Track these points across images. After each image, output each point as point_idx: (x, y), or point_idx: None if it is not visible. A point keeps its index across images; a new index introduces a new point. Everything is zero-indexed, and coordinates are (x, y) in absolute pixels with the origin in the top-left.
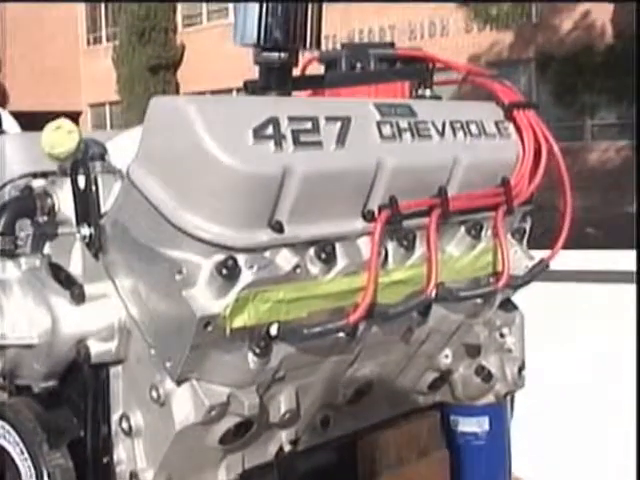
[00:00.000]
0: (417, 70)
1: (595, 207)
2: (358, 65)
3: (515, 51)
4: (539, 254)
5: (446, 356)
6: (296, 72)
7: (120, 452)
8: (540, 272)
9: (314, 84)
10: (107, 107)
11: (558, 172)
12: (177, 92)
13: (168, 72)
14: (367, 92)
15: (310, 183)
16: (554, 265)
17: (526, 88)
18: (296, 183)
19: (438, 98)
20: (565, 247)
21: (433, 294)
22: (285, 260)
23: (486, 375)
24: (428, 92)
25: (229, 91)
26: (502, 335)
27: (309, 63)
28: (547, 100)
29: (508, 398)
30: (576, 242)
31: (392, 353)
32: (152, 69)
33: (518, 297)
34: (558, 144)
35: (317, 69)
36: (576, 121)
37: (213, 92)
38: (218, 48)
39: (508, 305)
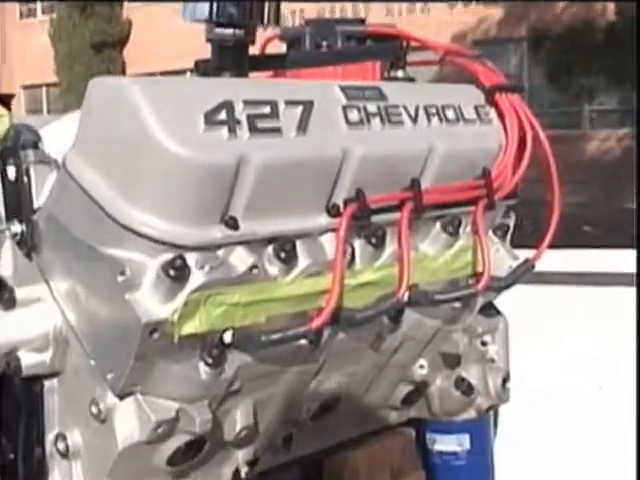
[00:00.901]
0: (389, 49)
1: (594, 203)
2: (324, 44)
3: (505, 29)
4: (525, 254)
5: (421, 366)
6: (255, 51)
7: (56, 476)
8: (525, 273)
9: (274, 65)
10: (43, 89)
11: (545, 162)
12: (123, 73)
13: (113, 50)
14: (333, 74)
15: (268, 174)
16: (541, 266)
17: (517, 70)
18: (252, 174)
19: (412, 80)
20: (555, 246)
21: (405, 297)
22: (240, 259)
23: (466, 388)
24: (401, 73)
25: (182, 72)
26: (484, 343)
27: (269, 41)
28: (540, 83)
29: (491, 413)
30: (572, 242)
31: (361, 363)
32: (95, 46)
33: (502, 301)
34: (547, 131)
35: (278, 48)
36: (572, 107)
37: (163, 73)
38: (169, 24)
39: (490, 310)
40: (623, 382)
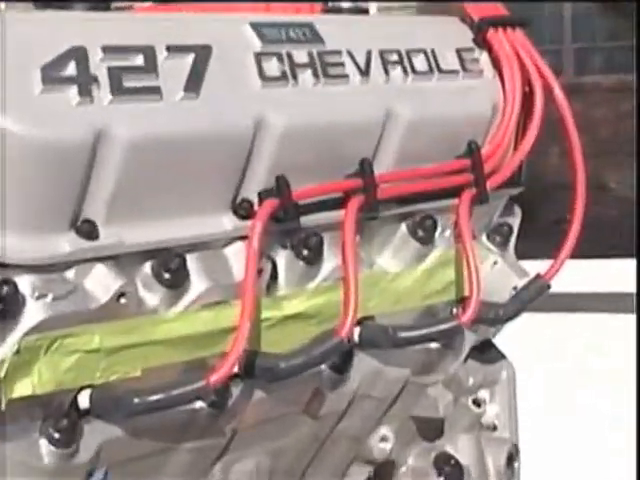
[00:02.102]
0: None
1: None
2: None
3: None
4: (535, 267)
5: (383, 439)
6: None
7: None
8: (536, 296)
9: None
10: None
11: (564, 131)
12: None
13: None
14: (252, 8)
15: (141, 156)
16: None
17: None
18: (117, 156)
19: (364, 12)
20: (577, 255)
21: (355, 336)
22: (101, 284)
23: (452, 470)
24: (348, 4)
25: None
26: (477, 403)
27: None
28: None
29: None
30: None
31: (291, 435)
32: None
33: (505, 338)
34: (596, 79)
35: None
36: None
37: None
38: None
39: (487, 352)
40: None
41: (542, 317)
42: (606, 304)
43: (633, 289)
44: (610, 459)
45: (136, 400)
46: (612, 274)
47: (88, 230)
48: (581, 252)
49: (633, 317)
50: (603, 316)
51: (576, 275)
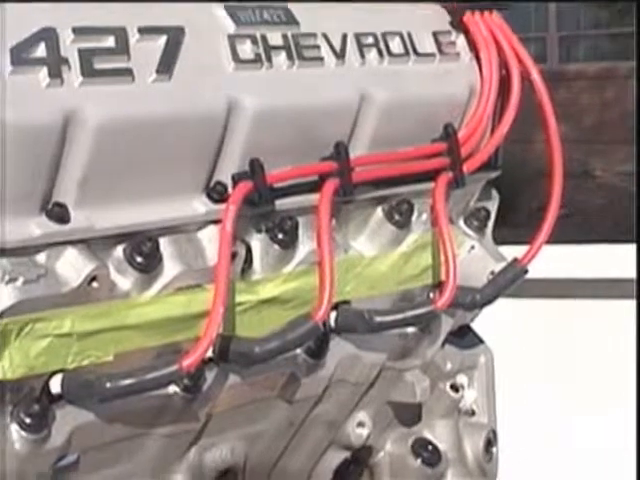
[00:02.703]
0: None
1: None
2: None
3: None
4: (512, 252)
5: (360, 424)
6: None
7: None
8: (513, 281)
9: None
10: None
11: (541, 116)
12: None
13: None
14: None
15: (112, 139)
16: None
17: None
18: (88, 139)
19: None
20: (553, 240)
21: (331, 320)
22: (73, 267)
23: (430, 455)
24: None
25: None
26: (455, 388)
27: None
28: None
29: None
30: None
31: (266, 420)
32: None
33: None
34: (589, 66)
35: None
36: (625, 26)
37: None
38: None
39: (465, 337)
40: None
41: (542, 303)
42: (605, 290)
43: (633, 275)
44: (609, 453)
45: (108, 385)
46: (611, 260)
47: (59, 213)
48: (566, 238)
49: (633, 303)
50: (602, 302)
51: (573, 261)
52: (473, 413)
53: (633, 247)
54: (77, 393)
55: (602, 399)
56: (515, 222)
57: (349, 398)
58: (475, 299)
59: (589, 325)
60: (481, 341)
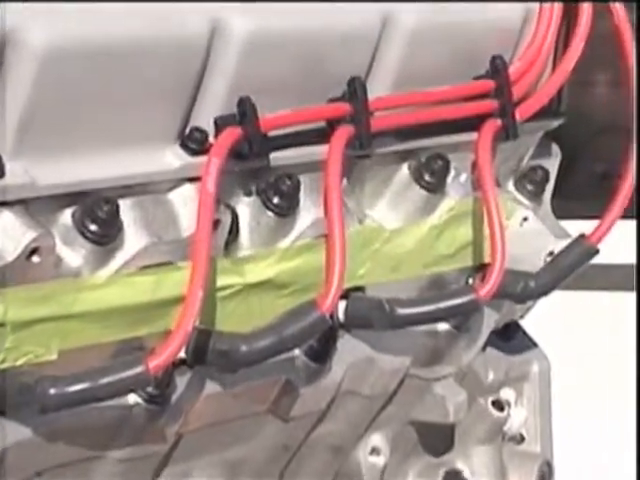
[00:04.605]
0: None
1: None
2: None
3: None
4: (577, 227)
5: (374, 450)
6: None
7: None
8: (579, 264)
9: None
10: None
11: (620, 49)
12: None
13: None
14: None
15: (59, 70)
16: None
17: None
18: (28, 70)
19: None
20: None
21: (339, 311)
22: (7, 236)
23: None
24: None
25: None
26: (499, 405)
27: None
28: None
29: None
30: None
31: (254, 443)
32: None
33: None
34: None
35: None
36: None
37: None
38: None
39: (514, 338)
40: None
41: None
42: (603, 280)
43: (633, 259)
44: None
45: (52, 391)
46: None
47: None
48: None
49: (633, 295)
50: (597, 294)
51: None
52: (522, 439)
53: (633, 223)
54: (9, 402)
55: (600, 397)
56: (572, 192)
57: (361, 416)
58: (528, 287)
59: (584, 318)
60: (534, 344)
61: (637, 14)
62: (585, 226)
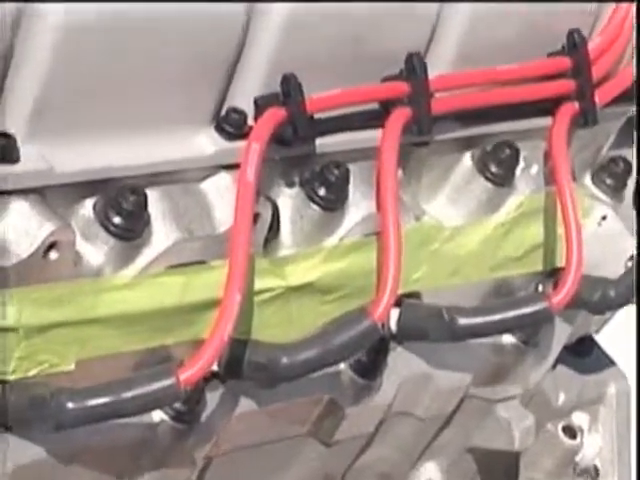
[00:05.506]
0: None
1: None
2: None
3: None
4: None
5: None
6: None
7: None
8: None
9: None
10: None
11: None
12: None
13: None
14: None
15: (79, 45)
16: None
17: None
18: (47, 44)
19: None
20: None
21: (392, 320)
22: (22, 230)
23: None
24: None
25: None
26: (571, 432)
27: None
28: None
29: None
30: None
31: (292, 469)
32: None
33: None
34: None
35: None
36: None
37: None
38: None
39: (588, 355)
40: None
41: None
42: None
43: None
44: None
45: (69, 405)
46: None
47: (3, 148)
48: None
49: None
50: None
51: None
52: (597, 472)
53: None
54: (22, 417)
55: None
56: None
57: (413, 441)
58: (607, 296)
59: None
60: (611, 362)
61: (637, 14)
62: None
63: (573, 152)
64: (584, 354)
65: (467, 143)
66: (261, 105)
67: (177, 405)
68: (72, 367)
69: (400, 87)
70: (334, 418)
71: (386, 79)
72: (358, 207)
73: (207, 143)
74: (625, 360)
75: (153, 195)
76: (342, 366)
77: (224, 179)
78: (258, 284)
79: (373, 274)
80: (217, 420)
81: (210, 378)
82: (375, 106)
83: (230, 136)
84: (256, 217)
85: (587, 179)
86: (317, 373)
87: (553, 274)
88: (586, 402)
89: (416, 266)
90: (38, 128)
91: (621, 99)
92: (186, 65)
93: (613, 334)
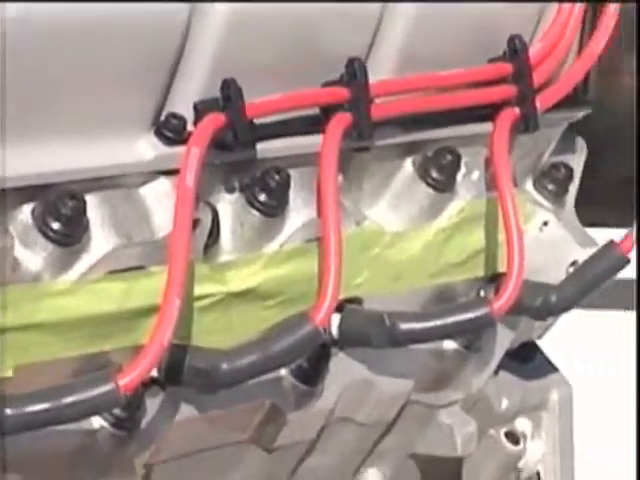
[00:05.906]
0: None
1: None
2: None
3: None
4: (603, 235)
5: None
6: None
7: None
8: (607, 276)
9: None
10: None
11: None
12: None
13: None
14: None
15: (19, 48)
16: None
17: None
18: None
19: None
20: None
21: (333, 326)
22: None
23: None
24: None
25: None
26: (514, 438)
27: None
28: None
29: None
30: None
31: (234, 476)
32: None
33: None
34: None
35: None
36: None
37: None
38: None
39: (531, 361)
40: None
41: None
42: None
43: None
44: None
45: (8, 412)
46: None
47: None
48: None
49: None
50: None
51: None
52: (539, 478)
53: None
54: None
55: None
56: (596, 195)
57: (356, 447)
58: (549, 302)
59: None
60: (554, 368)
61: (637, 14)
62: (611, 235)
63: (515, 158)
64: (527, 360)
65: (408, 149)
66: (201, 110)
67: (117, 411)
68: (10, 374)
69: (340, 92)
70: (275, 424)
71: (327, 84)
72: (299, 213)
73: (147, 148)
74: (568, 366)
75: (92, 200)
76: (283, 372)
77: (163, 184)
78: (198, 290)
79: (314, 280)
80: (157, 426)
81: (150, 384)
82: (316, 111)
83: (170, 141)
84: (196, 223)
85: (529, 185)
86: (258, 379)
87: (495, 280)
88: (529, 408)
89: (357, 271)
90: None
91: (562, 105)
92: (125, 69)
93: (556, 340)
